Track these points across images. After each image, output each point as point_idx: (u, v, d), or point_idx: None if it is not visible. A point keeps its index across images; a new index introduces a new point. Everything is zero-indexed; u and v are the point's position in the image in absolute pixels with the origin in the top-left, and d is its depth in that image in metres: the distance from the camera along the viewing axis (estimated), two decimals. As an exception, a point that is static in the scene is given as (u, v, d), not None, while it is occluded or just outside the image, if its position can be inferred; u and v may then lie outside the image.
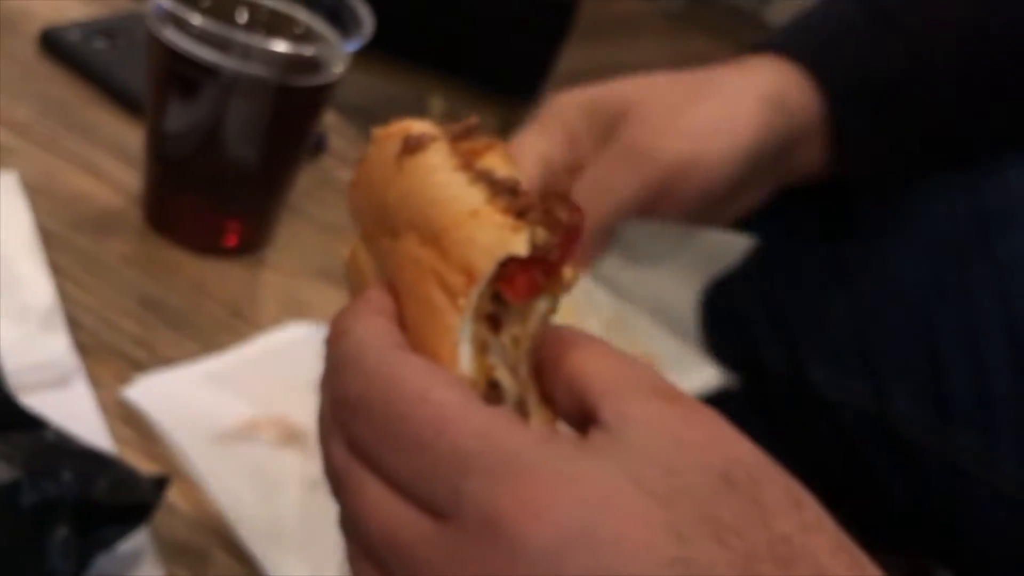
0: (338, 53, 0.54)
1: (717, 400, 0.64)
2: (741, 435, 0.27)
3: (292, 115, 0.55)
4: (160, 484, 0.40)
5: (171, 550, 0.43)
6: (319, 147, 0.68)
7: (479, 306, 0.28)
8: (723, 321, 0.55)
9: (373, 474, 0.27)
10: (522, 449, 0.26)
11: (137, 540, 0.41)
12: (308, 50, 0.54)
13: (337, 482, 0.29)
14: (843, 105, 0.54)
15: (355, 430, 0.28)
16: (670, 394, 0.28)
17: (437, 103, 0.67)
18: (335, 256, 0.62)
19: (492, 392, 0.29)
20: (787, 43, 0.55)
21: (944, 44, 0.57)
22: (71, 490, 0.35)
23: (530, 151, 0.48)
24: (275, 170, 0.57)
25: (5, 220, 0.53)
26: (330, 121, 0.70)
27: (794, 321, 0.62)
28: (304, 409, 0.50)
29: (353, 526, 0.28)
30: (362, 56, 0.55)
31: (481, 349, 0.29)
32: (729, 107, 0.51)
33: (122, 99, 0.66)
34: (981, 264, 0.60)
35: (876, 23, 0.56)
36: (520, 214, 0.28)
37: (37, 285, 0.50)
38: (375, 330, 0.29)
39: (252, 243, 0.59)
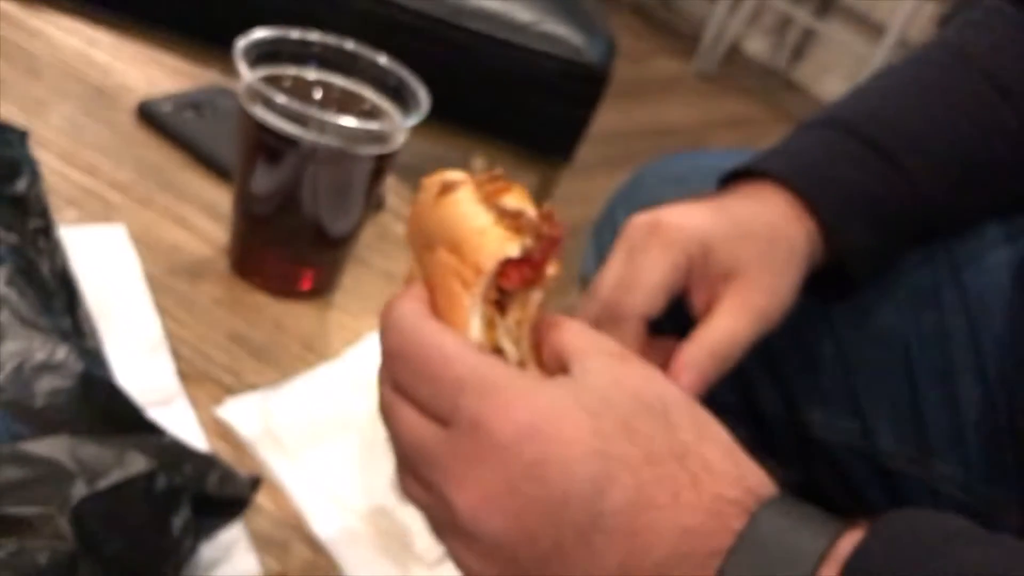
0: (400, 127, 0.63)
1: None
2: (669, 382, 0.39)
3: (359, 179, 0.64)
4: (255, 483, 0.48)
5: (259, 541, 0.51)
6: (379, 205, 0.78)
7: (486, 294, 0.41)
8: None
9: (405, 401, 0.40)
10: (499, 377, 0.38)
11: (232, 531, 0.49)
12: (374, 125, 0.63)
13: (384, 411, 0.41)
14: (849, 233, 0.60)
15: (395, 372, 0.40)
16: (622, 355, 0.40)
17: (479, 163, 0.76)
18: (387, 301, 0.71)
19: (497, 355, 0.41)
20: (806, 187, 0.59)
21: (943, 179, 0.63)
22: (191, 481, 0.44)
23: (653, 269, 0.54)
24: (344, 226, 0.66)
25: (118, 267, 0.62)
26: (388, 182, 0.79)
27: (787, 367, 0.69)
28: (360, 430, 0.58)
29: (395, 443, 0.41)
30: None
31: (489, 325, 0.42)
32: (792, 281, 0.57)
33: (208, 163, 0.76)
34: (953, 305, 0.66)
35: (882, 163, 0.61)
36: (517, 230, 0.40)
37: (146, 321, 0.59)
38: (412, 307, 0.41)
39: (322, 288, 0.68)
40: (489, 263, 0.40)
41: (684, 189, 0.76)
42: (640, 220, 0.57)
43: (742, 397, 0.72)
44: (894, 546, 0.36)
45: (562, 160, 1.33)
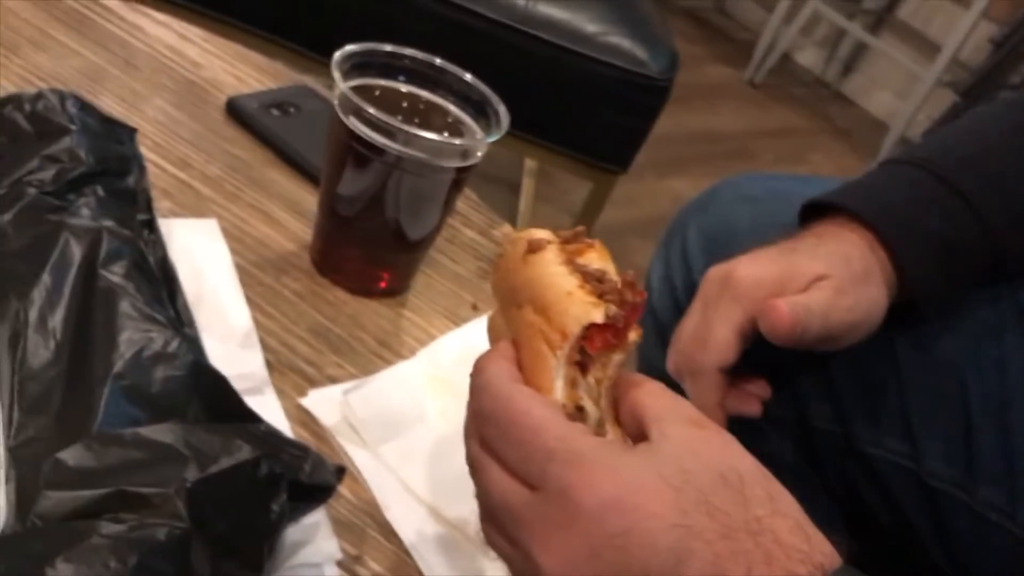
0: (480, 142, 0.67)
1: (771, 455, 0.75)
2: (744, 452, 0.41)
3: (439, 189, 0.67)
4: (340, 472, 0.52)
5: (337, 526, 0.55)
6: (452, 210, 0.81)
7: (570, 356, 0.44)
8: (775, 378, 0.66)
9: (494, 461, 0.43)
10: (586, 448, 0.41)
11: (315, 516, 0.53)
12: (457, 140, 0.66)
13: (472, 467, 0.44)
14: (923, 273, 0.63)
15: (484, 432, 0.43)
16: (700, 422, 0.43)
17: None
18: (460, 301, 0.74)
19: (578, 413, 0.45)
20: (883, 227, 0.63)
21: (1018, 223, 0.65)
22: (288, 469, 0.47)
23: (727, 322, 0.59)
24: (421, 232, 0.70)
25: (212, 258, 0.66)
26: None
27: (841, 384, 0.72)
28: (431, 427, 0.62)
29: (482, 497, 0.44)
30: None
31: (572, 385, 0.45)
32: (878, 295, 0.62)
33: (292, 162, 0.80)
34: (1015, 343, 0.69)
35: (959, 205, 0.64)
36: (601, 295, 0.43)
37: (238, 312, 0.63)
38: (501, 369, 0.45)
39: (397, 288, 0.72)
40: (575, 328, 0.43)
41: (755, 208, 0.79)
42: (713, 274, 0.61)
43: (797, 412, 0.75)
44: None
45: (619, 169, 1.36)
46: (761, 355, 0.62)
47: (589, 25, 1.27)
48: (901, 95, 3.06)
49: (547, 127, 1.33)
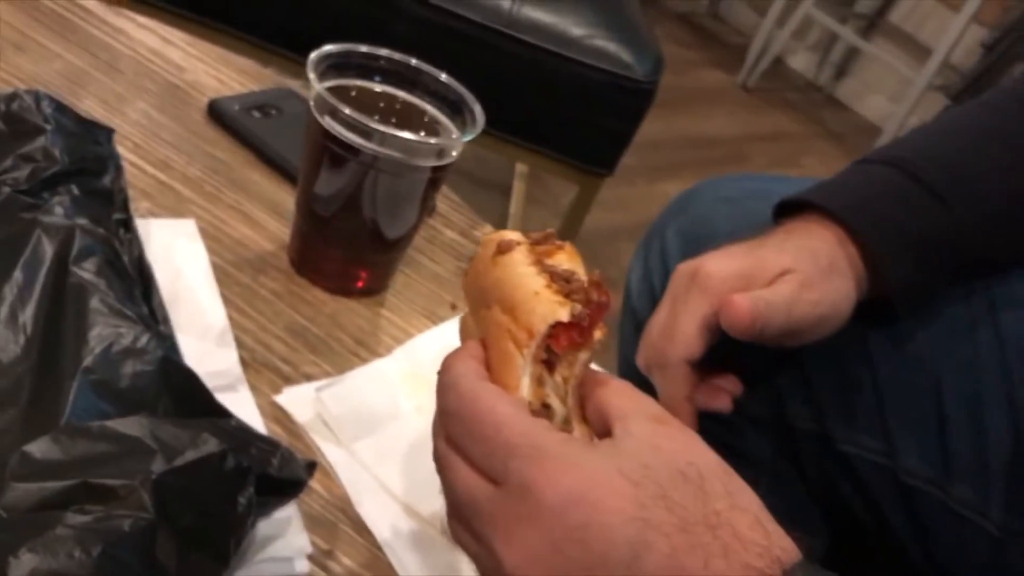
0: (455, 141, 0.67)
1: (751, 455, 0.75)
2: (706, 448, 0.42)
3: (416, 188, 0.68)
4: (311, 467, 0.52)
5: (309, 521, 0.55)
6: (431, 211, 0.82)
7: (536, 354, 0.44)
8: (753, 378, 0.66)
9: (460, 457, 0.43)
10: (548, 444, 0.41)
11: (287, 510, 0.53)
12: (432, 139, 0.67)
13: (439, 464, 0.45)
14: (896, 269, 0.64)
15: (450, 429, 0.44)
16: (662, 419, 0.43)
17: (521, 168, 0.79)
18: (439, 301, 0.75)
19: (544, 411, 0.45)
20: (854, 222, 0.63)
21: (989, 220, 0.66)
22: (256, 463, 0.48)
23: (694, 315, 0.59)
24: (399, 231, 0.70)
25: (189, 258, 0.67)
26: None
27: (820, 385, 0.72)
28: (405, 424, 0.63)
29: (448, 493, 0.44)
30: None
31: (539, 383, 0.45)
32: (844, 289, 0.62)
33: (272, 163, 0.80)
34: (987, 339, 0.69)
35: (931, 202, 0.64)
36: (568, 295, 0.44)
37: (214, 310, 0.64)
38: (467, 367, 0.45)
39: (375, 287, 0.73)
40: (541, 327, 0.43)
41: (734, 209, 0.80)
42: (682, 269, 0.62)
43: (775, 411, 0.75)
44: None
45: (605, 171, 1.36)
46: (739, 353, 0.63)
47: (575, 28, 1.28)
48: (894, 99, 3.07)
49: (533, 130, 1.34)
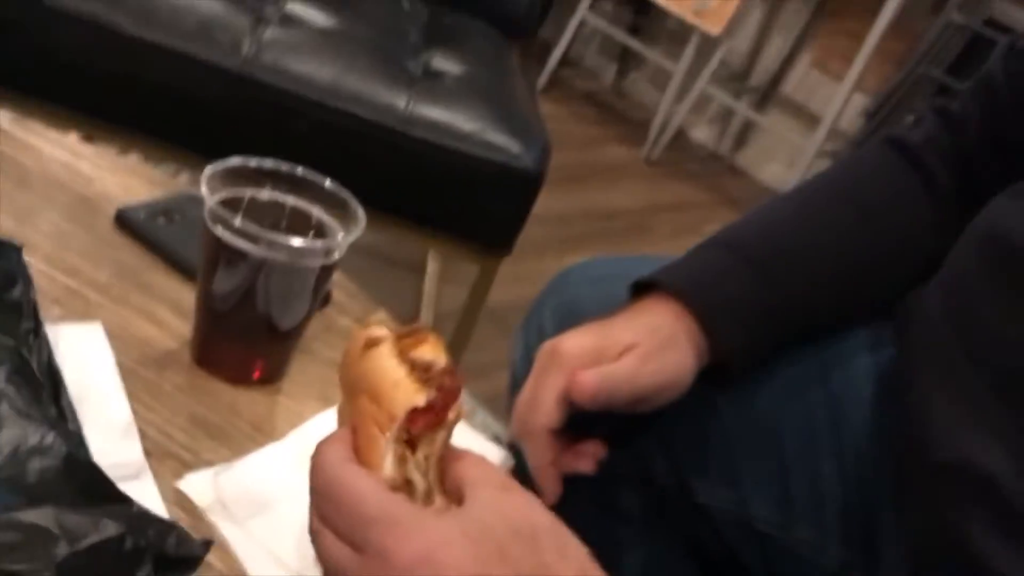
0: (340, 243, 0.75)
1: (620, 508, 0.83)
2: (543, 511, 0.50)
3: (305, 285, 0.75)
4: (206, 545, 0.58)
5: (209, 595, 0.61)
6: (326, 302, 0.89)
7: (398, 436, 0.52)
8: (620, 439, 0.73)
9: (329, 529, 0.51)
10: (401, 514, 0.49)
11: (186, 586, 0.59)
12: (316, 243, 0.75)
13: (312, 535, 0.52)
14: (728, 338, 0.73)
15: (320, 506, 0.52)
16: (507, 486, 0.51)
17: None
18: (332, 386, 0.81)
19: (407, 486, 0.52)
20: (693, 299, 0.73)
21: (812, 292, 0.76)
22: (153, 543, 0.54)
23: (553, 389, 0.67)
24: (291, 323, 0.77)
25: (96, 359, 0.73)
26: (336, 279, 0.91)
27: (678, 443, 0.80)
28: (299, 502, 0.69)
29: (322, 563, 0.52)
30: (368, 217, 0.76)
31: (401, 461, 0.52)
32: (682, 359, 0.71)
33: (176, 265, 0.87)
34: (819, 396, 0.79)
35: (757, 277, 0.75)
36: (425, 382, 0.52)
37: (119, 406, 0.70)
38: (335, 451, 0.53)
39: (271, 376, 0.79)
40: (400, 412, 0.51)
41: (600, 289, 0.89)
42: (544, 347, 0.70)
43: (641, 469, 0.83)
44: None
45: (503, 251, 1.46)
46: (606, 417, 0.71)
47: (467, 124, 1.38)
48: (789, 164, 3.25)
49: (433, 216, 1.43)
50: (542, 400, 0.68)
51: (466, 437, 0.78)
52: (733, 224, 0.83)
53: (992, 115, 0.82)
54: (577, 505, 0.63)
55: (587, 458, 0.71)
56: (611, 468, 0.73)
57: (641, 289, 0.76)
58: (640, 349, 0.69)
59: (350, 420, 0.55)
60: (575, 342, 0.69)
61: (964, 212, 0.77)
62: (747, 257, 0.76)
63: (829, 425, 0.78)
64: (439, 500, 0.53)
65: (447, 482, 0.53)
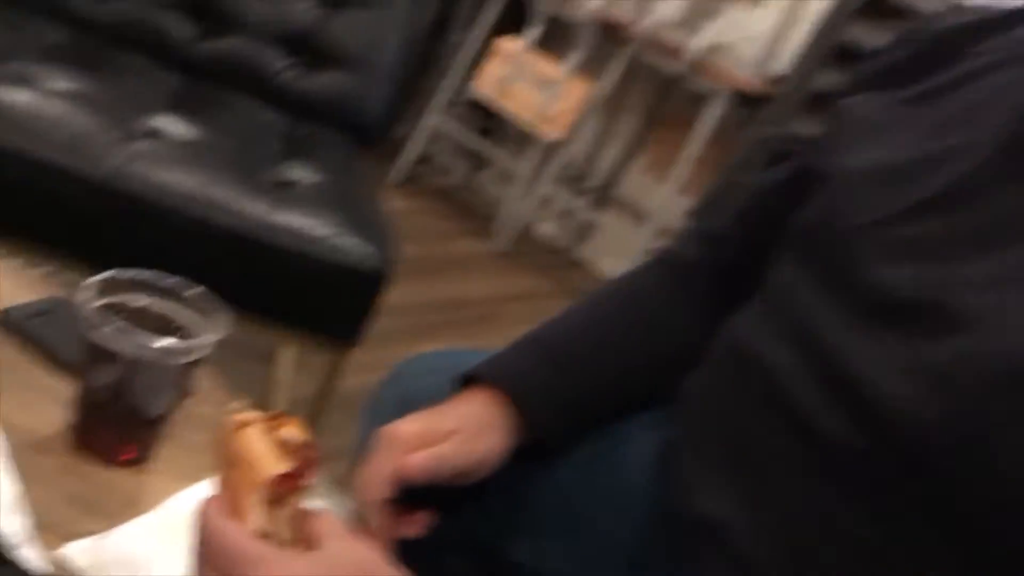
0: (204, 344, 0.89)
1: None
2: (382, 560, 0.66)
3: (172, 380, 0.89)
4: (90, 597, 0.71)
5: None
6: (189, 392, 1.02)
7: (264, 496, 0.66)
8: (451, 507, 0.87)
9: (209, 569, 0.64)
10: (265, 553, 0.63)
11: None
12: (184, 344, 0.89)
13: None
14: (536, 420, 0.88)
15: (202, 551, 0.65)
16: (350, 538, 0.66)
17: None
18: (196, 465, 0.94)
19: (273, 536, 0.66)
20: (508, 387, 0.88)
21: (600, 384, 0.93)
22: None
23: (387, 467, 0.79)
24: (158, 411, 0.91)
25: (-13, 445, 0.84)
26: (201, 372, 1.03)
27: (496, 507, 0.93)
28: (170, 566, 0.81)
29: None
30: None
31: (268, 515, 0.66)
32: (496, 441, 0.87)
33: (57, 361, 0.99)
34: (606, 466, 0.95)
35: (557, 370, 0.91)
36: (287, 454, 0.66)
37: (7, 485, 0.81)
38: (212, 507, 0.67)
39: (143, 457, 0.92)
40: (267, 475, 0.65)
41: (435, 381, 1.04)
42: (382, 431, 0.85)
43: (465, 532, 0.97)
44: None
45: (351, 343, 1.61)
46: (437, 491, 0.85)
47: (321, 229, 1.54)
48: (625, 256, 3.51)
49: (288, 313, 1.57)
50: (379, 477, 0.83)
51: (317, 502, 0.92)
52: (548, 321, 1.01)
53: (743, 239, 1.03)
54: (409, 567, 0.74)
55: (416, 525, 0.86)
56: (439, 534, 0.86)
57: (466, 380, 0.93)
58: (460, 434, 0.85)
59: (226, 485, 0.69)
60: (407, 428, 0.84)
61: (725, 317, 0.96)
62: (550, 357, 0.93)
63: (616, 492, 0.94)
64: (299, 547, 0.67)
65: (304, 532, 0.67)
